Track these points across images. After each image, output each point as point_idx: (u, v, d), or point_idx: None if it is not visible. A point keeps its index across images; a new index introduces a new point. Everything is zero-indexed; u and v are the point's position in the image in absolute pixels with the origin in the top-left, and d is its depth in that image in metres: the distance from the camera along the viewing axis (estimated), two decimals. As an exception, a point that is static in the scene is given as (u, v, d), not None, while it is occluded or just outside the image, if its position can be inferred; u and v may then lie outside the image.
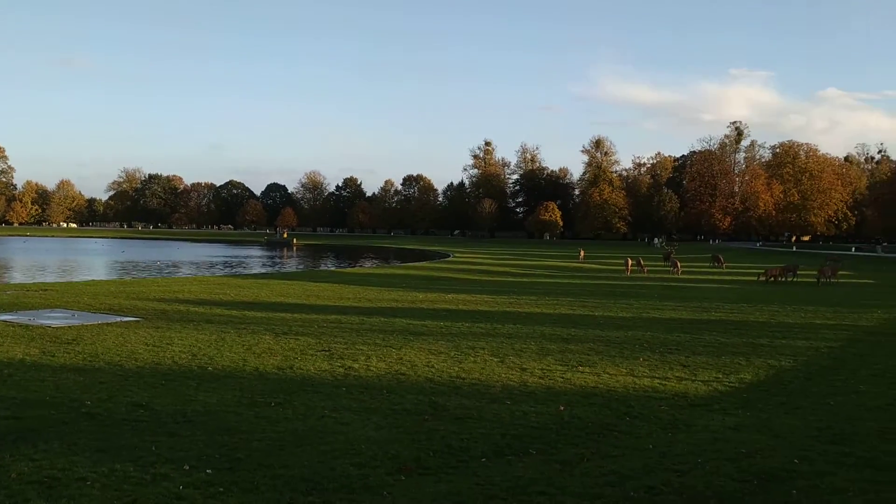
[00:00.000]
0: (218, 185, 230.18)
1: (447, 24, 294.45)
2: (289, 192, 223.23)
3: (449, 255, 78.05)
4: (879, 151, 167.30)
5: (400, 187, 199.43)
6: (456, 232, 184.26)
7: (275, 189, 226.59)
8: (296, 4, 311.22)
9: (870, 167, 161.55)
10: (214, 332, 17.73)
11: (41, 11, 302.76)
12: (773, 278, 40.64)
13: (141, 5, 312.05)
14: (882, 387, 12.80)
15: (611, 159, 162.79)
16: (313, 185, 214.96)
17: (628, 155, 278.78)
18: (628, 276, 45.91)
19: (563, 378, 13.13)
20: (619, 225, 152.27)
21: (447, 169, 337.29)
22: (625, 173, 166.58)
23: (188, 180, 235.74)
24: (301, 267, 62.16)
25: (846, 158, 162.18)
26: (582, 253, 78.68)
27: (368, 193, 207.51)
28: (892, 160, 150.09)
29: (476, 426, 9.68)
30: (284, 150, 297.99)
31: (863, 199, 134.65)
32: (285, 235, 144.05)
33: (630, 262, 50.02)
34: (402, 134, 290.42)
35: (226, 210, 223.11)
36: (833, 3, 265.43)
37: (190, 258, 75.81)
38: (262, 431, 9.07)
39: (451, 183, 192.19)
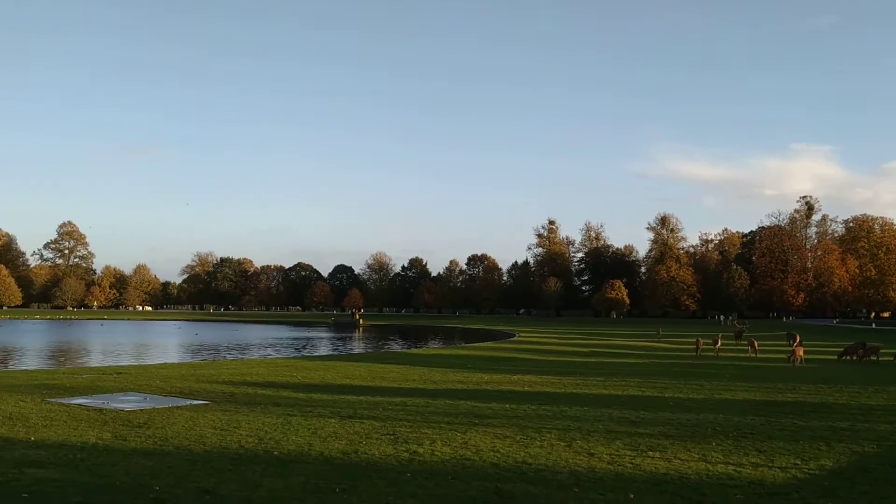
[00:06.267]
0: (286, 266, 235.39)
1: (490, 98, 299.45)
2: (355, 273, 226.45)
3: (514, 335, 77.35)
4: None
5: (464, 267, 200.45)
6: (521, 311, 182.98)
7: (341, 270, 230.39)
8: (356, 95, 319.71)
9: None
10: (281, 415, 17.84)
11: (121, 105, 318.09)
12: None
13: (211, 103, 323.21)
14: (975, 474, 12.07)
15: (677, 236, 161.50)
16: (379, 266, 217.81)
17: (692, 231, 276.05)
18: (698, 356, 44.76)
19: (632, 464, 12.76)
20: (687, 302, 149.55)
21: (510, 248, 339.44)
22: (692, 250, 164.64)
23: (257, 262, 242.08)
24: (367, 348, 62.38)
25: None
26: (659, 331, 79.01)
27: (433, 273, 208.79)
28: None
29: (543, 515, 9.45)
30: (350, 232, 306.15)
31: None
32: (357, 317, 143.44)
33: (701, 341, 48.74)
34: (464, 214, 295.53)
35: (294, 291, 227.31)
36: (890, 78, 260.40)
37: (258, 340, 77.02)
38: (325, 519, 9.03)
39: (516, 262, 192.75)
